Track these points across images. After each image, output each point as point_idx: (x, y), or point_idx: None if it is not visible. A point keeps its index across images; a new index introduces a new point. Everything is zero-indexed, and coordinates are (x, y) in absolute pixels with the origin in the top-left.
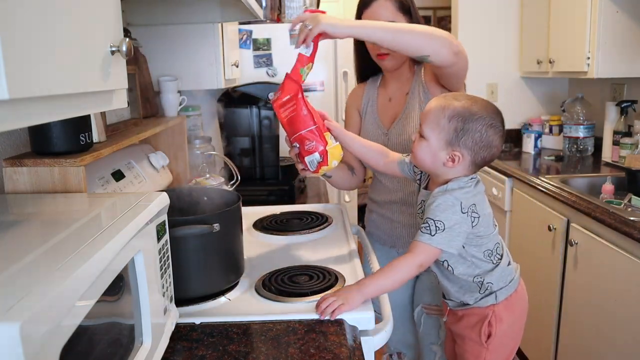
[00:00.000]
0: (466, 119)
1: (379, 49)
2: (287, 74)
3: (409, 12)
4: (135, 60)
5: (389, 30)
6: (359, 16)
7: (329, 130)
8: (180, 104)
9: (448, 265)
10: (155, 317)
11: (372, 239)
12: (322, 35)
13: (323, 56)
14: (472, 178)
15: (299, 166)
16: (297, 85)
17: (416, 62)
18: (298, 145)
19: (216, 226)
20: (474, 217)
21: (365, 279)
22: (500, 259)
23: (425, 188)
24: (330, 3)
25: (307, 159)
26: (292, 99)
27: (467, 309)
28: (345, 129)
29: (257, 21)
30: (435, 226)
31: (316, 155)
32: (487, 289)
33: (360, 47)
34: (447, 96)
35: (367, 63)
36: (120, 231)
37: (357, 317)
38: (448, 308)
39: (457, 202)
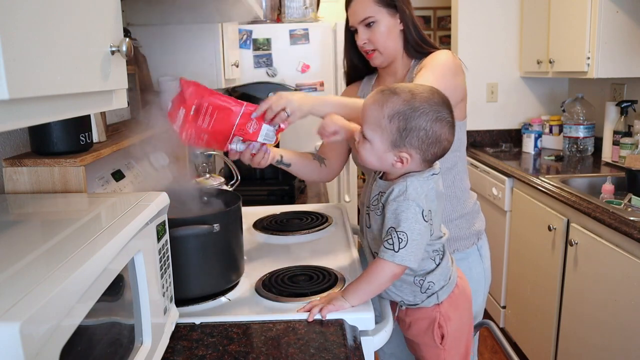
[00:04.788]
0: (408, 116)
1: (364, 47)
2: (183, 81)
3: (392, 5)
4: (135, 60)
5: (336, 105)
6: (347, 17)
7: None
8: None
9: None
10: (155, 317)
11: None
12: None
13: (323, 56)
14: (433, 174)
15: (248, 156)
16: (199, 88)
17: (413, 57)
18: (241, 138)
19: (216, 226)
20: (431, 225)
21: (348, 286)
22: (442, 259)
23: (381, 177)
24: (330, 3)
25: (260, 136)
26: (201, 104)
27: (414, 311)
28: None
29: (257, 21)
30: (399, 238)
31: (268, 127)
32: (428, 289)
33: (352, 45)
34: (384, 91)
35: (362, 62)
36: (120, 231)
37: (357, 317)
38: (397, 311)
39: (419, 209)
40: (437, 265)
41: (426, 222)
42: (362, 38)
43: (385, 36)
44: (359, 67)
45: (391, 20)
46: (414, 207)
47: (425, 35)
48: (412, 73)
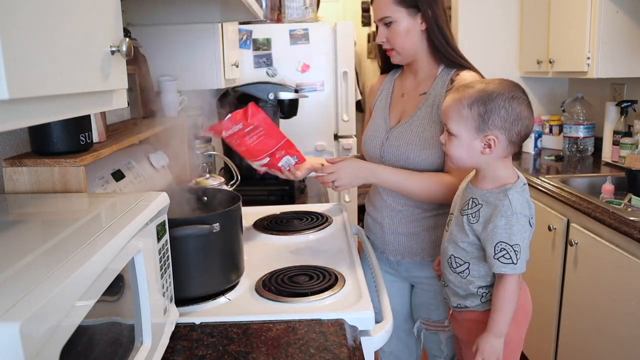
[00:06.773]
0: (485, 100)
1: (383, 46)
2: (252, 105)
3: (413, 5)
4: (135, 60)
5: (393, 183)
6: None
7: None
8: (180, 104)
9: (469, 273)
10: (155, 317)
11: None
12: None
13: (323, 56)
14: (524, 184)
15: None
16: (264, 115)
17: (440, 62)
18: (268, 159)
19: (216, 226)
20: (533, 228)
21: (490, 322)
22: None
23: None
24: (330, 3)
25: (281, 162)
26: (259, 126)
27: (467, 312)
28: (365, 123)
29: (257, 21)
30: (514, 251)
31: (289, 158)
32: (488, 299)
33: None
34: (459, 88)
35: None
36: (120, 231)
37: (357, 317)
38: (451, 309)
39: (526, 218)
40: None
41: (531, 227)
42: (381, 36)
43: (402, 37)
44: (388, 59)
45: (411, 20)
46: (522, 218)
47: (453, 42)
48: (441, 87)
